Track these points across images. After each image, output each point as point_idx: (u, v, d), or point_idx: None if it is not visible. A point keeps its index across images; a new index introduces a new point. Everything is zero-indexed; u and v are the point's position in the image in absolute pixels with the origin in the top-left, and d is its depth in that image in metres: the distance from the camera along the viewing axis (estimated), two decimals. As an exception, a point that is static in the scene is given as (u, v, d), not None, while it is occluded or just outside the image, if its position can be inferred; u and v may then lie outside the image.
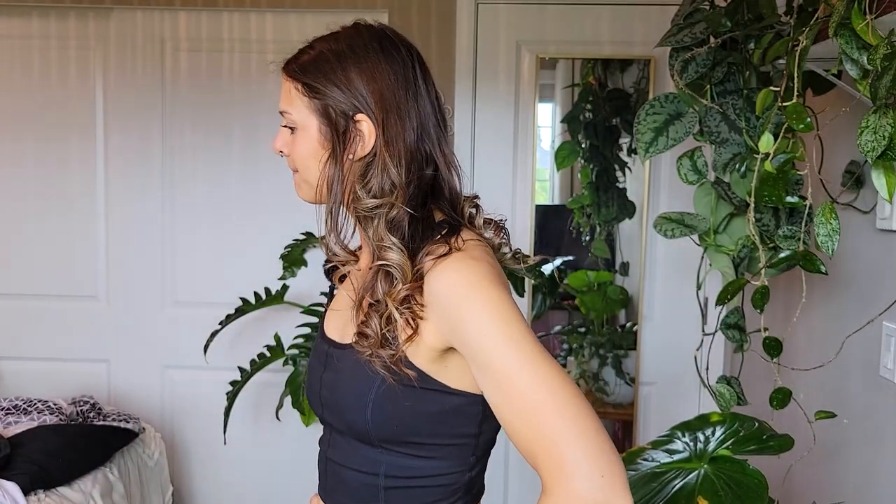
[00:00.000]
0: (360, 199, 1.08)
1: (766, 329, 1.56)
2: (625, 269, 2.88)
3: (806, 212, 1.51)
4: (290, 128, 1.15)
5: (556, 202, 2.94)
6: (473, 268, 1.03)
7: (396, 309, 1.03)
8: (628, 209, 2.82)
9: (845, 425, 1.77)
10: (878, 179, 1.27)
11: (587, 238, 2.86)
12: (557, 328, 2.97)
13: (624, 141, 2.82)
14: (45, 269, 3.00)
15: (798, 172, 1.51)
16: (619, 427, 2.97)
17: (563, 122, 2.85)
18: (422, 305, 1.03)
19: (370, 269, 1.09)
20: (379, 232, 1.07)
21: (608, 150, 2.83)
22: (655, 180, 2.78)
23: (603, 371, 2.90)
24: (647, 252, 2.81)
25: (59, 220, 2.97)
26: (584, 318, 2.91)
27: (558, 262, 2.90)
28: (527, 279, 2.50)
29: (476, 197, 1.18)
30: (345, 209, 1.12)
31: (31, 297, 3.01)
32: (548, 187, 2.96)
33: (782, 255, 1.53)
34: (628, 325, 2.90)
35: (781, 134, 1.43)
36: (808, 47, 1.37)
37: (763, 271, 1.56)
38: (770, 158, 1.43)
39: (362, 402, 1.07)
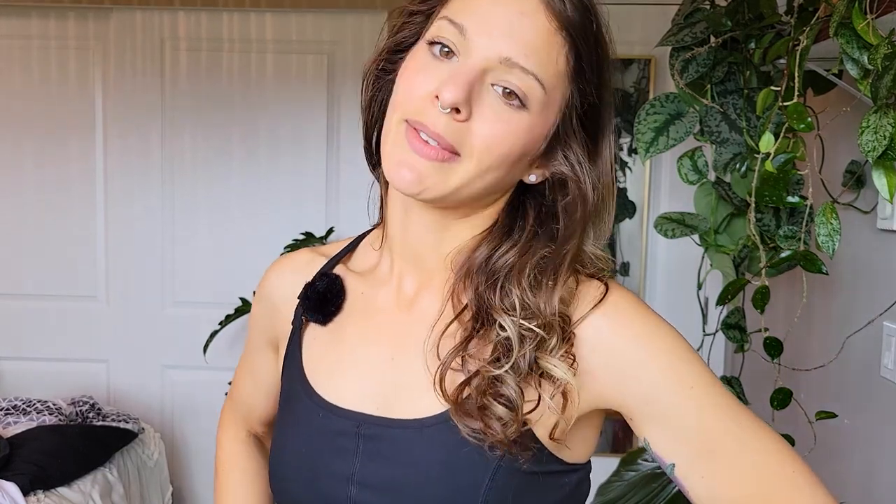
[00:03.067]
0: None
1: (766, 329, 1.56)
2: (625, 269, 2.88)
3: (806, 212, 1.51)
4: (513, 100, 0.73)
5: (557, 202, 2.94)
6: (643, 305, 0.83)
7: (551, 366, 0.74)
8: (629, 209, 2.82)
9: (846, 426, 1.77)
10: (879, 179, 1.27)
11: (587, 238, 2.85)
12: (557, 328, 2.97)
13: (624, 141, 2.82)
14: (44, 269, 2.99)
15: (799, 172, 1.50)
16: (620, 427, 2.97)
17: (563, 121, 2.84)
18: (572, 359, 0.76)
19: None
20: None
21: (608, 150, 2.83)
22: (656, 180, 2.78)
23: (603, 371, 2.89)
24: (648, 252, 2.80)
25: (58, 220, 2.97)
26: (584, 318, 2.91)
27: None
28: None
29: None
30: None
31: (31, 298, 3.01)
32: (548, 187, 2.96)
33: (783, 255, 1.53)
34: (628, 325, 2.90)
35: (782, 134, 1.43)
36: (809, 47, 1.37)
37: (763, 271, 1.56)
38: (771, 158, 1.43)
39: (468, 498, 0.75)
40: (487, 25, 0.72)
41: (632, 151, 2.80)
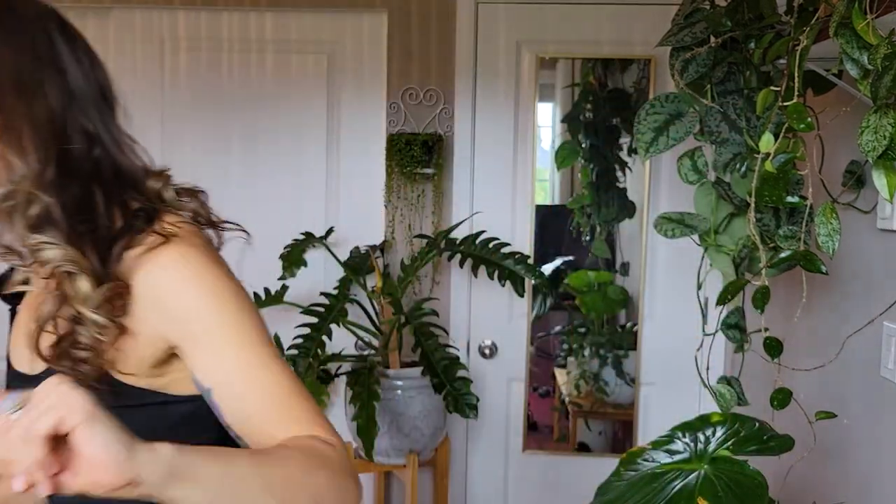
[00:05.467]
0: None
1: (766, 329, 1.56)
2: (625, 269, 2.88)
3: (806, 212, 1.51)
4: None
5: (557, 202, 2.94)
6: (195, 257, 0.96)
7: (95, 313, 0.90)
8: (628, 209, 2.82)
9: (846, 426, 1.77)
10: (879, 179, 1.27)
11: (587, 238, 2.86)
12: (557, 328, 2.97)
13: (624, 141, 2.82)
14: (44, 269, 2.99)
15: (798, 172, 1.51)
16: (620, 427, 2.97)
17: (563, 121, 2.85)
18: (124, 307, 0.92)
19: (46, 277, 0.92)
20: (22, 232, 0.91)
21: (608, 149, 2.83)
22: (656, 180, 2.78)
23: (603, 371, 2.90)
24: (648, 252, 2.80)
25: (58, 220, 2.97)
26: (584, 318, 2.91)
27: (559, 261, 2.90)
28: (527, 279, 2.50)
29: (164, 170, 1.08)
30: None
31: (30, 297, 3.01)
32: (548, 187, 2.96)
33: (783, 255, 1.53)
34: (628, 325, 2.90)
35: (782, 134, 1.43)
36: (809, 47, 1.37)
37: (763, 271, 1.56)
38: (770, 158, 1.43)
39: None
40: None
41: (632, 151, 2.80)
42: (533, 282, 2.56)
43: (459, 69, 2.77)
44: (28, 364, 0.97)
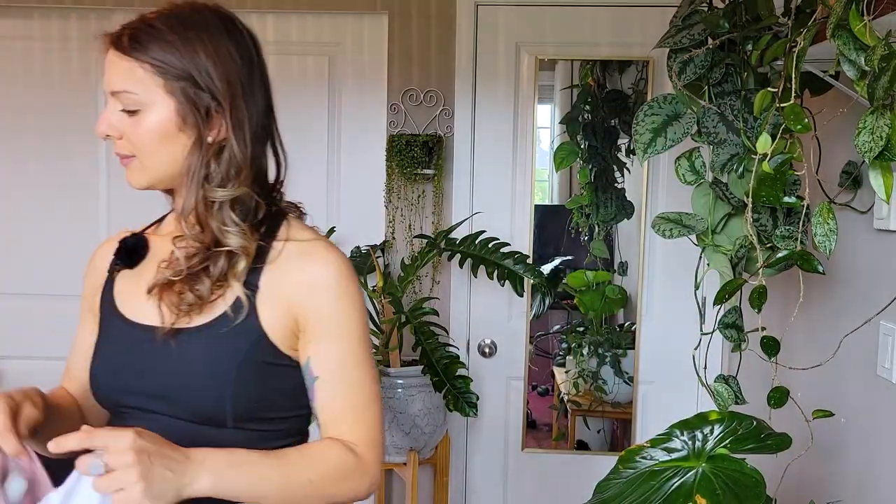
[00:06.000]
0: (211, 181, 1.11)
1: (763, 328, 1.57)
2: (623, 268, 2.89)
3: (803, 212, 1.52)
4: (130, 110, 1.09)
5: (555, 202, 2.95)
6: (343, 262, 1.17)
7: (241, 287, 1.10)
8: (627, 209, 2.83)
9: (843, 424, 1.78)
10: (876, 180, 1.28)
11: (586, 238, 2.87)
12: (556, 327, 2.98)
13: (622, 141, 2.83)
14: (45, 269, 3.00)
15: (795, 173, 1.52)
16: (618, 426, 2.98)
17: (561, 122, 2.86)
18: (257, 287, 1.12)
19: (205, 248, 1.11)
20: (223, 215, 1.11)
21: (607, 150, 2.84)
22: (654, 181, 2.79)
23: (601, 370, 2.91)
24: (646, 252, 2.82)
25: (60, 220, 2.98)
26: (582, 317, 2.92)
27: (558, 261, 2.91)
28: (526, 279, 2.51)
29: (281, 183, 1.25)
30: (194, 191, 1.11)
31: (31, 297, 3.01)
32: (547, 188, 2.97)
33: (780, 254, 1.54)
34: (627, 324, 2.91)
35: (779, 134, 1.44)
36: (806, 48, 1.38)
37: (761, 271, 1.57)
38: (768, 159, 1.44)
39: (220, 388, 1.09)
40: (104, 79, 1.11)
41: (630, 152, 2.81)
42: (532, 281, 2.57)
43: (459, 71, 2.78)
44: (157, 318, 1.12)
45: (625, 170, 2.84)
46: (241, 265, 1.11)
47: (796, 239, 1.54)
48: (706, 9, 1.68)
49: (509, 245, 2.53)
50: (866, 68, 1.25)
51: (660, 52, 1.91)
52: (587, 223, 2.86)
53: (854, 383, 1.76)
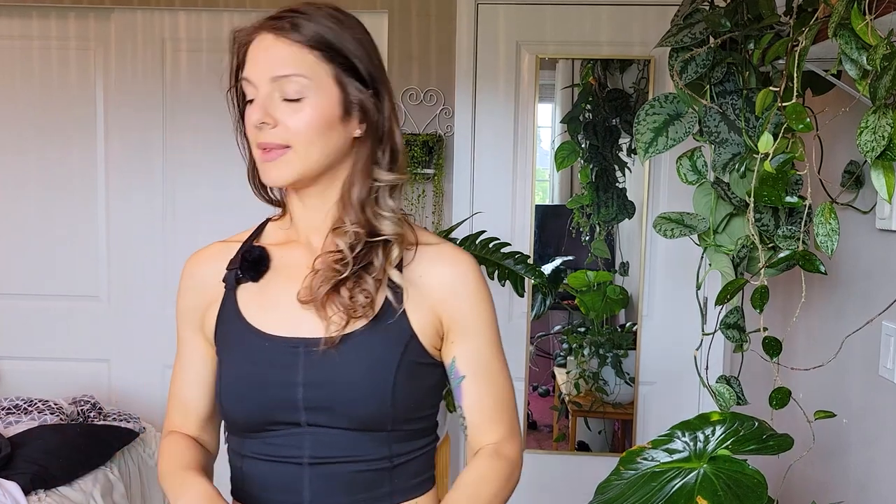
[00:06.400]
0: (380, 167, 1.12)
1: (765, 329, 1.56)
2: (624, 268, 2.89)
3: (805, 212, 1.51)
4: (292, 98, 1.06)
5: (556, 202, 2.95)
6: (478, 267, 1.19)
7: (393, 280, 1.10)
8: (628, 209, 2.82)
9: (845, 425, 1.78)
10: (878, 179, 1.27)
11: (587, 238, 2.86)
12: (557, 328, 2.98)
13: (623, 141, 2.83)
14: (45, 269, 3.00)
15: (797, 172, 1.51)
16: (619, 426, 2.98)
17: (562, 122, 2.85)
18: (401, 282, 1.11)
19: (357, 242, 1.10)
20: (381, 202, 1.12)
21: (608, 150, 2.84)
22: (655, 180, 2.79)
23: (603, 371, 2.90)
24: (647, 252, 2.81)
25: (59, 220, 2.98)
26: (583, 317, 2.92)
27: (558, 261, 2.91)
28: (526, 279, 2.50)
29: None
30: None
31: (31, 297, 3.01)
32: (547, 187, 2.96)
33: (782, 254, 1.54)
34: (628, 324, 2.90)
35: (781, 134, 1.43)
36: (808, 47, 1.38)
37: (762, 271, 1.56)
38: (769, 158, 1.44)
39: (383, 391, 1.08)
40: (257, 66, 1.07)
41: (631, 152, 2.81)
42: (533, 281, 2.57)
43: (459, 70, 2.78)
44: (298, 330, 1.10)
45: (626, 169, 2.84)
46: (395, 253, 1.10)
47: (798, 239, 1.53)
48: (708, 7, 1.67)
49: (510, 245, 2.52)
50: (868, 67, 1.24)
51: (661, 51, 1.91)
52: (588, 223, 2.85)
53: (856, 384, 1.75)
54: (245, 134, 1.13)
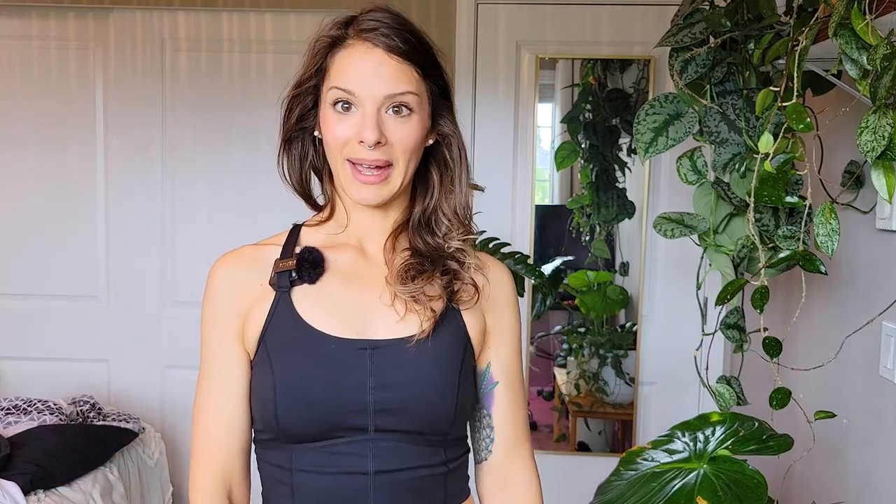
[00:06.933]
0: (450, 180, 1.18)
1: (765, 329, 1.56)
2: (624, 269, 2.89)
3: (805, 212, 1.51)
4: (404, 113, 1.08)
5: (556, 202, 2.94)
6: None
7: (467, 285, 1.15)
8: (628, 209, 2.82)
9: (845, 425, 1.77)
10: (878, 179, 1.27)
11: (587, 238, 2.86)
12: (557, 328, 2.98)
13: (624, 141, 2.82)
14: (45, 269, 3.00)
15: (798, 172, 1.51)
16: (619, 427, 2.97)
17: (562, 122, 2.85)
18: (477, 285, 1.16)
19: (432, 254, 1.14)
20: (455, 221, 1.17)
21: (608, 150, 2.83)
22: (655, 180, 2.78)
23: (603, 371, 2.90)
24: (647, 252, 2.81)
25: (59, 220, 2.98)
26: (583, 318, 2.91)
27: (558, 261, 2.90)
28: (527, 279, 2.50)
29: None
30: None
31: (31, 297, 3.01)
32: (547, 187, 2.96)
33: (782, 255, 1.53)
34: (628, 325, 2.90)
35: (781, 134, 1.43)
36: (808, 47, 1.37)
37: (763, 271, 1.56)
38: (770, 158, 1.43)
39: (450, 392, 1.10)
40: (367, 82, 1.06)
41: (631, 152, 2.80)
42: (533, 281, 2.56)
43: (459, 70, 2.78)
44: (361, 332, 1.10)
45: (626, 169, 2.83)
46: (469, 259, 1.16)
47: (798, 239, 1.53)
48: (708, 7, 1.67)
49: (510, 245, 2.52)
50: (868, 67, 1.24)
51: (661, 51, 1.91)
52: (588, 223, 2.85)
53: (856, 384, 1.75)
54: (317, 142, 1.16)
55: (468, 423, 1.21)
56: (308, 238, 1.19)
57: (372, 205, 1.10)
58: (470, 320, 1.15)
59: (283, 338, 1.10)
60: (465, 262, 1.15)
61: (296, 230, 1.22)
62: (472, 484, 1.23)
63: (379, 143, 1.05)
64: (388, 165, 1.07)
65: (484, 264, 1.19)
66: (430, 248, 1.14)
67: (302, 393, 1.07)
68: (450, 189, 1.16)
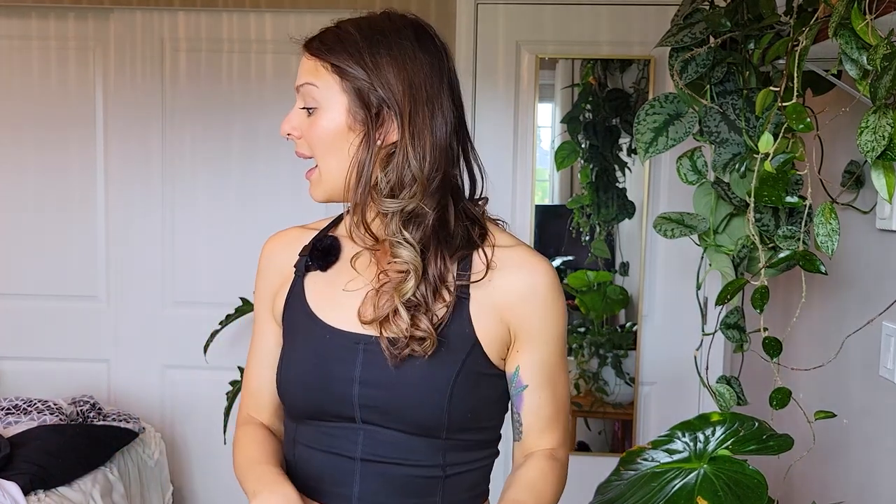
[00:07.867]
0: (381, 189, 1.07)
1: (765, 329, 1.56)
2: (624, 269, 2.88)
3: (805, 212, 1.51)
4: (308, 109, 1.10)
5: (556, 202, 2.94)
6: (555, 275, 1.14)
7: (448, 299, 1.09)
8: (628, 209, 2.82)
9: (845, 425, 1.77)
10: (878, 179, 1.27)
11: (587, 238, 2.86)
12: (557, 328, 2.97)
13: (624, 141, 2.82)
14: (45, 269, 3.00)
15: (798, 172, 1.51)
16: (619, 427, 2.97)
17: (562, 122, 2.85)
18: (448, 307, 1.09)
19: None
20: (392, 227, 1.07)
21: (608, 150, 2.83)
22: (655, 180, 2.78)
23: (603, 371, 2.90)
24: (647, 252, 2.81)
25: (59, 220, 2.98)
26: (583, 317, 2.91)
27: (558, 261, 2.90)
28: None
29: (484, 198, 1.22)
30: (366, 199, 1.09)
31: (31, 297, 3.01)
32: (547, 187, 2.96)
33: (782, 255, 1.53)
34: (628, 324, 2.90)
35: (781, 134, 1.43)
36: (808, 47, 1.37)
37: (763, 271, 1.56)
38: (770, 158, 1.43)
39: (439, 397, 1.07)
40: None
41: (631, 152, 2.80)
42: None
43: (459, 69, 2.76)
44: (359, 325, 1.10)
45: (626, 169, 2.83)
46: (408, 286, 1.07)
47: (798, 239, 1.53)
48: (708, 7, 1.67)
49: (510, 245, 2.52)
50: (868, 67, 1.24)
51: (661, 51, 1.91)
52: (588, 223, 2.85)
53: (856, 384, 1.75)
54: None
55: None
56: (342, 226, 1.20)
57: (317, 202, 1.13)
58: (482, 324, 1.10)
59: (292, 320, 1.17)
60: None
61: (341, 217, 1.23)
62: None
63: (290, 134, 1.11)
64: (314, 166, 1.11)
65: (516, 260, 1.12)
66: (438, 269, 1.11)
67: (299, 375, 1.13)
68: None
